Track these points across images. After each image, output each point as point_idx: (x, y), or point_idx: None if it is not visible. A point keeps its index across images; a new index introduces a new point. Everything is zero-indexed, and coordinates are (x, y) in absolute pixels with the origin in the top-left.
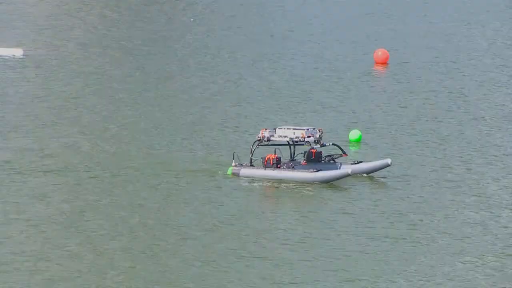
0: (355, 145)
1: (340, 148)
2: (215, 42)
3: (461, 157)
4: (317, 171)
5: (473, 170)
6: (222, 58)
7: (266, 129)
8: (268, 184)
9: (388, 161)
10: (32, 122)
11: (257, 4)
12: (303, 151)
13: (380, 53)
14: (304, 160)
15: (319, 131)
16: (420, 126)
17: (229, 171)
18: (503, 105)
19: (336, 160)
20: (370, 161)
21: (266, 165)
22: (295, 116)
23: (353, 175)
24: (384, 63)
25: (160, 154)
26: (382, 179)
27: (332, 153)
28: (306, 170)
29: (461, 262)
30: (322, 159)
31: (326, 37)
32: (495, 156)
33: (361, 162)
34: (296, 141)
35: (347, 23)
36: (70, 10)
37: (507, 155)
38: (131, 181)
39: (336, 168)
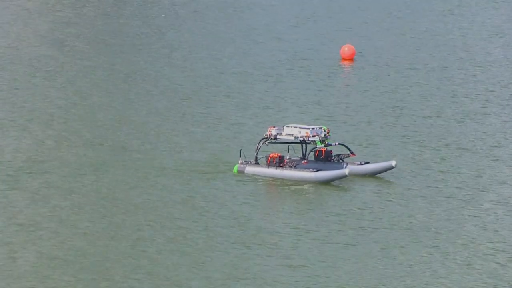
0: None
1: (348, 148)
2: (184, 39)
3: (437, 151)
4: (317, 171)
5: (450, 163)
6: (193, 54)
7: (274, 127)
8: (270, 183)
9: (393, 163)
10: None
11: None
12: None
13: (346, 49)
14: (305, 159)
15: (325, 131)
16: (387, 121)
17: (235, 168)
18: (468, 98)
19: (344, 160)
20: (375, 162)
21: (269, 163)
22: (262, 113)
23: (358, 176)
24: (351, 59)
25: (162, 151)
26: (379, 178)
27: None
28: (306, 170)
29: (461, 263)
30: (332, 158)
31: (293, 33)
32: (467, 149)
33: (367, 163)
34: (303, 140)
35: (313, 19)
36: (40, 5)
37: (481, 148)
38: (134, 179)
39: (342, 168)
